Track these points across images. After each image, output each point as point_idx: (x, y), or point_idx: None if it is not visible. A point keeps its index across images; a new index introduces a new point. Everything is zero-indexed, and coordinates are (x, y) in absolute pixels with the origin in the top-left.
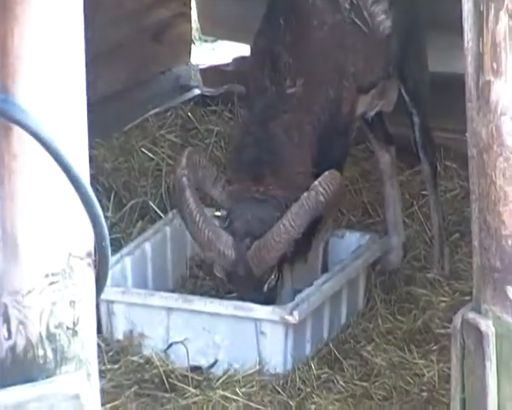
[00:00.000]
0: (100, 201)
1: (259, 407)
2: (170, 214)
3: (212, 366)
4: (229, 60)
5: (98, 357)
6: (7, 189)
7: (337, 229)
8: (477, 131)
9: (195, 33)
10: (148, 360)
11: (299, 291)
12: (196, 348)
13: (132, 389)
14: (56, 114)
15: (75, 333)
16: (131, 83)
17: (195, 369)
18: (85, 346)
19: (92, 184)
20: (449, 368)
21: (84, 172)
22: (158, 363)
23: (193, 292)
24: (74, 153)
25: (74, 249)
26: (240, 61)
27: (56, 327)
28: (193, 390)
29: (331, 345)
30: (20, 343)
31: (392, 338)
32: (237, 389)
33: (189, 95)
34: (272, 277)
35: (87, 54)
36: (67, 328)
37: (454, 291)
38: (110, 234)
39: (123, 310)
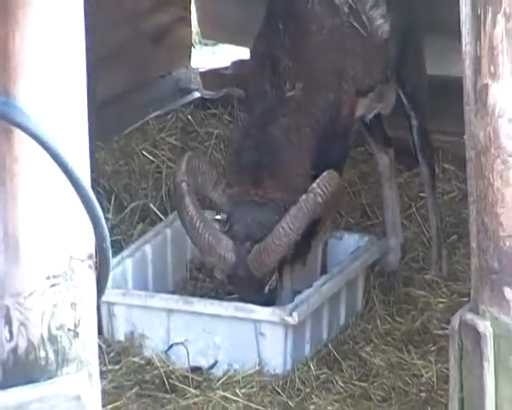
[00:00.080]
0: (101, 203)
1: (259, 407)
2: (170, 217)
3: (213, 366)
4: (228, 63)
5: (99, 358)
6: (8, 191)
7: (336, 231)
8: (475, 134)
9: (195, 37)
10: (149, 361)
11: (299, 293)
12: (196, 349)
13: (133, 390)
14: (57, 116)
15: (76, 335)
16: (132, 86)
17: (196, 370)
18: (86, 347)
19: (93, 187)
20: (447, 369)
21: (84, 175)
22: (158, 364)
23: (193, 294)
24: (75, 155)
25: (75, 251)
26: (239, 64)
27: (58, 329)
28: (193, 391)
29: (330, 346)
30: (22, 345)
31: (390, 339)
32: (237, 390)
33: (189, 98)
34: (273, 279)
35: (88, 57)
36: (69, 329)
37: (452, 292)
38: (111, 236)
39: (124, 312)
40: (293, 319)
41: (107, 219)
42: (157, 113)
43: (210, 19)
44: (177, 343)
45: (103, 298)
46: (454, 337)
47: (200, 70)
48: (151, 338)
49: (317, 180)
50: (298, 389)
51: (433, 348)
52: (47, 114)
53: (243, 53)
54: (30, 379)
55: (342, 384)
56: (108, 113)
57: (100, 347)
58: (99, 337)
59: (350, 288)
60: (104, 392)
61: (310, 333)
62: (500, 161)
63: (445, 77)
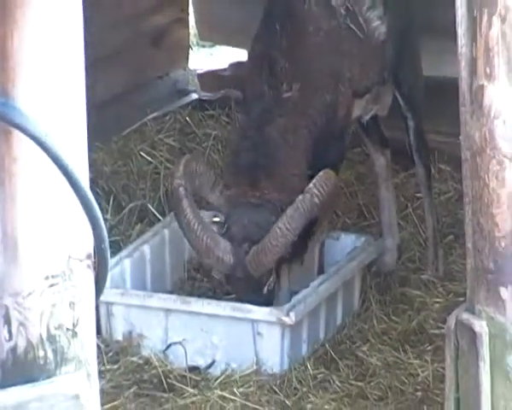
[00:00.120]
0: (99, 204)
1: (257, 406)
2: (168, 217)
3: (210, 366)
4: (226, 65)
5: (98, 358)
6: (7, 191)
7: (333, 231)
8: (470, 135)
9: (193, 38)
10: (147, 361)
11: (296, 293)
12: (194, 349)
13: (131, 390)
14: (56, 117)
15: (75, 334)
16: (130, 87)
17: (193, 369)
18: (85, 347)
19: (91, 188)
20: (443, 368)
21: (83, 176)
22: (157, 363)
23: (191, 294)
24: (74, 156)
25: (74, 252)
26: (237, 66)
27: (56, 328)
28: (191, 390)
29: (327, 345)
30: (21, 344)
31: (387, 339)
32: (235, 389)
33: (187, 99)
34: (271, 279)
35: (86, 58)
36: (67, 329)
37: (448, 292)
38: (109, 236)
39: (122, 311)
40: (291, 319)
41: (105, 219)
42: (155, 114)
43: (207, 20)
44: (175, 343)
45: (102, 298)
46: (450, 337)
47: (198, 71)
48: (149, 338)
49: (314, 180)
50: (295, 389)
51: (429, 348)
52: (46, 114)
53: (241, 54)
54: (29, 378)
55: (339, 384)
56: (107, 114)
57: (98, 346)
58: (97, 337)
59: (347, 288)
60: (102, 391)
61: (307, 333)
62: (495, 161)
63: (441, 78)
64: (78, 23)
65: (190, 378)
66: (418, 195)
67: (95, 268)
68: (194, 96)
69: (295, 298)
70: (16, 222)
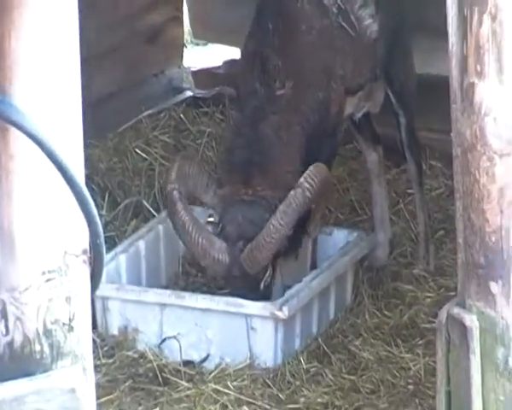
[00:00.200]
0: (95, 200)
1: (250, 399)
2: (163, 213)
3: (205, 360)
4: (220, 63)
5: (93, 352)
6: (4, 188)
7: (325, 226)
8: (461, 132)
9: (187, 37)
10: (142, 355)
11: (289, 287)
12: (189, 343)
13: (127, 383)
14: (52, 115)
15: (71, 329)
16: (125, 85)
17: (188, 363)
18: (81, 341)
19: (87, 184)
20: (434, 362)
21: (79, 172)
22: (152, 358)
23: (185, 288)
24: (69, 153)
25: (70, 247)
26: (230, 63)
27: (53, 323)
28: (185, 384)
29: (320, 340)
30: (18, 339)
31: (379, 333)
32: (229, 383)
33: (182, 97)
34: (267, 275)
35: (82, 56)
36: (63, 324)
37: (439, 287)
38: (105, 232)
39: (117, 306)
40: (284, 314)
41: (101, 215)
42: (150, 111)
43: (202, 19)
44: (170, 337)
45: (97, 293)
46: (441, 331)
47: (192, 69)
48: (144, 332)
49: (305, 174)
50: (288, 382)
51: (420, 342)
52: (42, 112)
53: (234, 52)
54: (26, 373)
55: (332, 377)
56: (103, 111)
57: (94, 341)
58: (93, 331)
59: (339, 283)
60: (98, 385)
61: (300, 327)
62: (486, 158)
63: (433, 76)
64: (73, 23)
65: (185, 372)
66: (410, 191)
67: (90, 263)
68: (189, 93)
69: (288, 293)
70: (13, 218)
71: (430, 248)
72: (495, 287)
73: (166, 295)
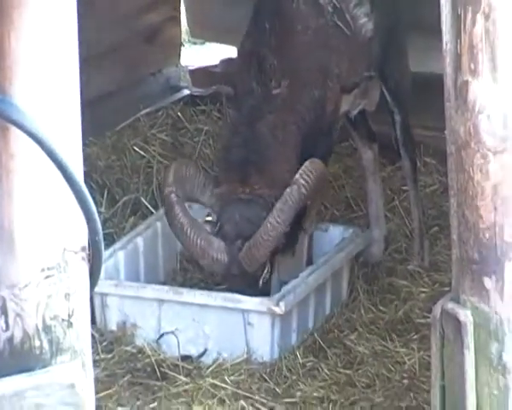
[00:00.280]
0: (93, 197)
1: (247, 394)
2: (161, 210)
3: (202, 355)
4: (217, 61)
5: (92, 347)
6: (4, 187)
7: (321, 223)
8: (455, 129)
9: (185, 36)
10: (141, 350)
11: (286, 283)
12: (187, 338)
13: (125, 378)
14: (51, 114)
15: (70, 325)
16: (124, 84)
17: (186, 358)
18: (80, 337)
19: (86, 182)
20: (429, 356)
21: (78, 170)
22: (150, 353)
23: (183, 284)
24: (69, 151)
25: (69, 244)
26: (227, 62)
27: (52, 319)
28: (183, 379)
29: (316, 335)
30: (18, 335)
31: (374, 328)
32: (226, 378)
33: (179, 95)
34: (265, 272)
35: (81, 56)
36: (63, 320)
37: (434, 282)
38: (103, 229)
39: (116, 302)
40: (280, 309)
41: (99, 212)
42: (148, 109)
43: (199, 19)
44: (168, 333)
45: (96, 289)
46: (436, 326)
47: (190, 68)
48: (143, 328)
49: (300, 171)
50: (285, 377)
51: (415, 337)
52: (42, 111)
53: (231, 51)
54: (25, 368)
55: (328, 372)
56: (101, 109)
57: (93, 336)
58: (92, 327)
59: (335, 278)
60: (97, 380)
61: (296, 322)
62: (480, 155)
63: (427, 74)
64: (72, 23)
65: (183, 367)
66: (404, 188)
67: (89, 260)
68: (186, 92)
69: (285, 288)
70: (13, 216)
71: (425, 244)
72: (489, 282)
73: (164, 291)
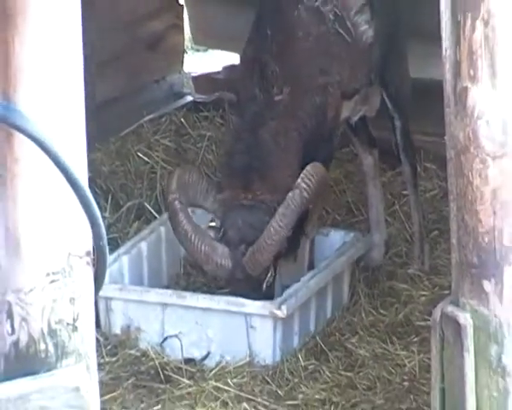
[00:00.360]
0: (98, 202)
1: (250, 396)
2: (164, 215)
3: (205, 358)
4: (219, 68)
5: (97, 351)
6: (9, 191)
7: (322, 227)
8: (455, 135)
9: (188, 43)
10: (145, 353)
11: (287, 287)
12: (190, 342)
13: (129, 381)
14: (56, 120)
15: (75, 328)
16: (128, 90)
17: (189, 361)
18: (85, 340)
19: (90, 187)
20: (429, 359)
21: (82, 176)
22: (153, 356)
23: (186, 288)
24: (73, 157)
25: (74, 249)
26: (230, 69)
27: (57, 323)
28: (187, 381)
29: (317, 338)
30: (23, 339)
31: (375, 331)
32: (229, 380)
33: (182, 101)
34: (269, 275)
35: (87, 63)
36: (68, 324)
37: (434, 286)
38: (108, 234)
39: (120, 306)
40: (282, 313)
41: (104, 217)
42: (151, 116)
43: (202, 26)
44: (172, 336)
45: (101, 293)
46: (436, 329)
47: (193, 75)
48: (146, 331)
49: (301, 175)
50: (287, 379)
51: (415, 340)
52: (46, 117)
53: (234, 58)
54: (30, 371)
55: (329, 374)
56: (106, 116)
57: (97, 340)
58: (97, 331)
59: (336, 282)
60: (102, 383)
61: (298, 326)
62: (479, 160)
63: (427, 80)
64: (76, 29)
65: (186, 370)
66: (405, 192)
67: (94, 265)
68: (189, 98)
69: (287, 292)
70: (18, 221)
71: (425, 248)
72: (488, 286)
73: (168, 295)
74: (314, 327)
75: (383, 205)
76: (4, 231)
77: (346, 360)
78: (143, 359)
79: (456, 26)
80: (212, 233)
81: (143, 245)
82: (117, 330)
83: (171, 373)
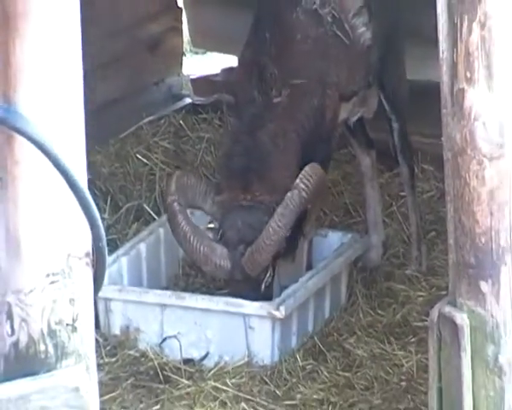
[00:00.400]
0: (97, 204)
1: (248, 396)
2: (163, 217)
3: (204, 358)
4: (218, 71)
5: (96, 351)
6: (10, 193)
7: (320, 228)
8: (452, 136)
9: (187, 46)
10: (144, 354)
11: (286, 288)
12: (189, 342)
13: (129, 381)
14: (56, 122)
15: (74, 329)
16: (127, 93)
17: (188, 361)
18: (84, 341)
19: (90, 189)
20: (426, 359)
21: (82, 177)
22: (153, 356)
23: (185, 289)
24: (72, 159)
25: (73, 250)
26: (228, 71)
27: (57, 324)
28: (186, 382)
29: (315, 338)
30: (23, 339)
31: (372, 331)
32: (227, 380)
33: (181, 104)
34: (267, 276)
35: (86, 65)
36: (67, 324)
37: (431, 286)
38: (107, 235)
39: (120, 307)
40: (281, 313)
41: (103, 219)
42: (151, 118)
43: (200, 29)
44: (171, 337)
45: (100, 294)
46: (433, 329)
47: (191, 77)
48: (146, 332)
49: (300, 175)
50: (285, 379)
51: (413, 340)
52: (46, 119)
53: (232, 61)
54: (30, 372)
55: (327, 374)
56: (105, 118)
57: (97, 340)
58: (96, 332)
59: (334, 283)
60: (101, 383)
61: (296, 326)
62: (476, 161)
63: (424, 82)
64: (76, 31)
65: (185, 370)
66: (402, 193)
67: (93, 266)
68: (188, 100)
69: (285, 293)
70: (18, 222)
71: (422, 248)
72: (485, 286)
73: (167, 296)
74: (312, 327)
75: (381, 206)
76: (5, 232)
77: (344, 360)
78: (142, 359)
79: (453, 28)
80: (210, 235)
81: (142, 246)
82: (116, 330)
83: (170, 373)
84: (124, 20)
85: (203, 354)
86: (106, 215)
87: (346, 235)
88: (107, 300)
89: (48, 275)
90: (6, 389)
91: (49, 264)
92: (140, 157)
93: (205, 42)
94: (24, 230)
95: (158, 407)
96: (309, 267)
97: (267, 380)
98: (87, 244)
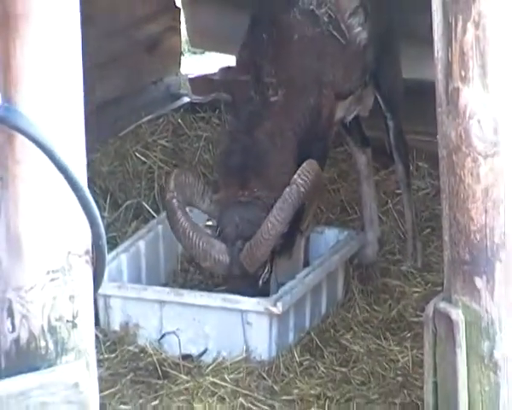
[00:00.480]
0: (97, 202)
1: (246, 391)
2: (162, 214)
3: (202, 354)
4: (216, 70)
5: (96, 347)
6: (11, 192)
7: (317, 226)
8: (447, 134)
9: (185, 45)
10: (143, 350)
11: (283, 284)
12: (187, 338)
13: (128, 377)
14: (56, 121)
15: (74, 325)
16: (126, 92)
17: (187, 357)
18: (84, 337)
19: (89, 187)
20: (422, 354)
21: (81, 176)
22: (152, 352)
23: (184, 286)
24: (72, 157)
25: (73, 248)
26: (226, 70)
27: (57, 320)
28: (184, 377)
29: (312, 334)
30: (24, 336)
31: (369, 327)
32: (225, 376)
33: (179, 103)
34: (265, 271)
35: (85, 65)
36: (67, 321)
37: (426, 282)
38: (106, 233)
39: (119, 303)
40: (278, 309)
41: (102, 217)
42: (149, 117)
43: (198, 29)
44: (169, 333)
45: (100, 291)
46: (428, 325)
47: (190, 76)
48: (145, 328)
49: (298, 171)
50: (282, 375)
51: (408, 335)
52: (46, 118)
53: (230, 60)
54: (31, 368)
55: (324, 370)
56: (104, 117)
57: (97, 337)
58: (96, 328)
59: (330, 279)
60: (101, 379)
61: (293, 322)
62: (471, 159)
63: (419, 80)
64: (76, 31)
65: (183, 366)
66: (398, 191)
67: (93, 263)
68: (186, 99)
69: (282, 289)
70: (19, 220)
71: (417, 245)
72: (480, 282)
73: (166, 293)
74: (309, 323)
75: (376, 203)
76: (5, 230)
77: (341, 355)
78: (142, 355)
79: (448, 27)
80: (209, 231)
81: (141, 243)
82: (116, 327)
83: (168, 369)
84: (122, 20)
85: (201, 349)
86: (105, 213)
87: (342, 232)
88: (106, 296)
89: (48, 272)
90: (7, 384)
91: (49, 261)
92: (139, 156)
93: (203, 42)
94: (24, 228)
95: (157, 402)
96: (306, 264)
97: (265, 375)
98: (87, 242)
